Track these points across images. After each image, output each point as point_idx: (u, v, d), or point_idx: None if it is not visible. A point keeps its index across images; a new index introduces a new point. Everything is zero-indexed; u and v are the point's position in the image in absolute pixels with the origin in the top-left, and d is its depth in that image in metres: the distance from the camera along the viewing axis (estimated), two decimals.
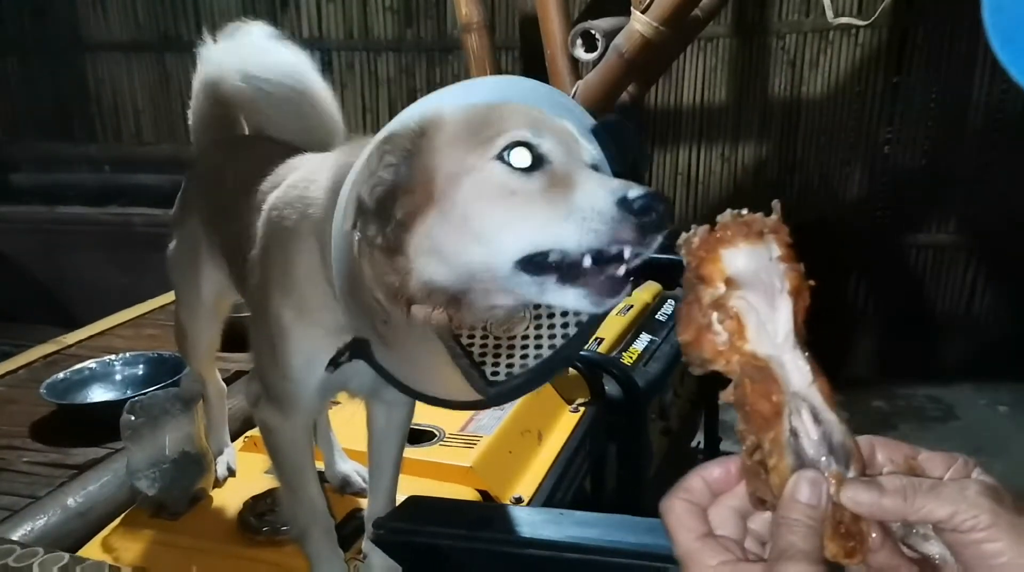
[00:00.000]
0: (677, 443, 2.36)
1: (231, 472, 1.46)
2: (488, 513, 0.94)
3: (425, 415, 1.63)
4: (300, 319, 0.97)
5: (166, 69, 4.70)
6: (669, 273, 2.65)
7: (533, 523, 0.93)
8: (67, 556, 1.06)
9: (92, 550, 1.29)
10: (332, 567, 1.15)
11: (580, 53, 2.62)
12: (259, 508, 1.32)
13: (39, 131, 4.94)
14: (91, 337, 2.21)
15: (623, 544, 0.83)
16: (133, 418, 1.34)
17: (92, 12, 4.75)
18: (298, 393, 1.03)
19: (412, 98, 1.18)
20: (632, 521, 0.91)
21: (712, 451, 2.73)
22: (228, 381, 1.92)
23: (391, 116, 3.31)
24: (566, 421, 1.76)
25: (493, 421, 1.61)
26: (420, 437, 1.57)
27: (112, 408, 1.70)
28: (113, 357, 1.90)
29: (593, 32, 2.58)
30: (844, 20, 2.33)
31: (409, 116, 0.78)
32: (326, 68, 4.43)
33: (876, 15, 2.08)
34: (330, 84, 4.49)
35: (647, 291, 2.49)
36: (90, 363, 1.87)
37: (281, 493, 1.16)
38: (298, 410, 1.06)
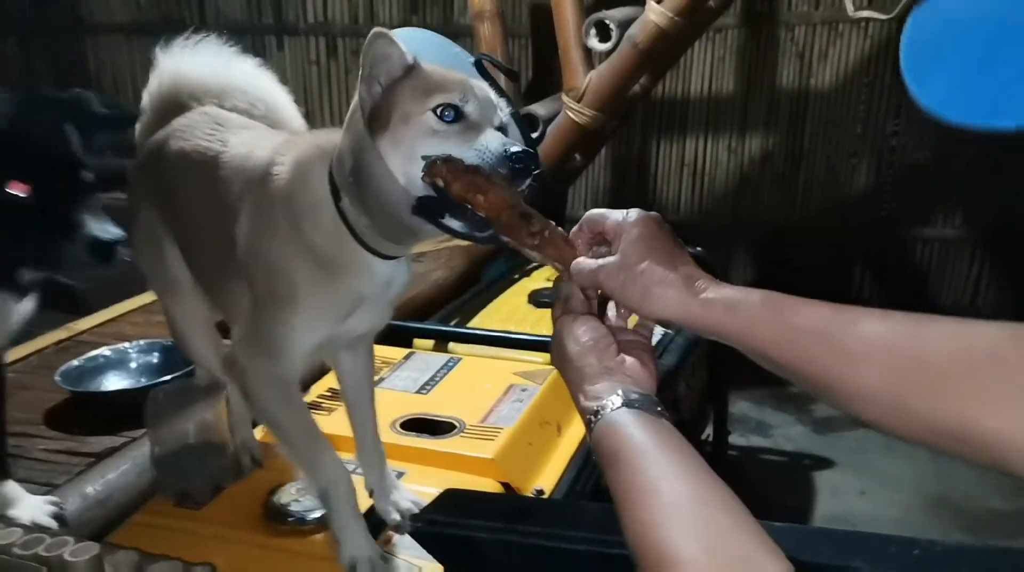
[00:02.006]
0: (688, 435, 2.35)
1: (257, 463, 1.45)
2: (527, 506, 0.93)
3: (445, 407, 1.63)
4: (316, 269, 1.07)
5: None
6: None
7: (575, 517, 0.92)
8: (98, 546, 1.05)
9: (116, 539, 1.28)
10: (356, 535, 1.15)
11: (594, 43, 2.61)
12: (284, 497, 1.31)
13: None
14: (102, 324, 2.19)
15: None
16: (157, 406, 1.33)
17: None
18: (301, 342, 1.11)
19: None
20: None
21: (721, 443, 2.74)
22: None
23: None
24: None
25: (513, 413, 1.61)
26: (440, 429, 1.56)
27: (128, 396, 1.69)
28: (128, 345, 1.88)
29: (607, 22, 2.57)
30: (865, 14, 2.31)
31: (404, 50, 0.99)
32: (331, 54, 4.40)
33: (898, 9, 2.06)
34: (336, 70, 4.48)
35: None
36: (104, 350, 1.85)
37: (295, 459, 1.18)
38: (296, 359, 1.12)
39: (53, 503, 1.34)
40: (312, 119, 4.62)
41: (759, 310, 0.76)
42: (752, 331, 0.76)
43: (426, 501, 1.32)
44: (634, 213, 0.83)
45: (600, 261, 0.82)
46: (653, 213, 0.85)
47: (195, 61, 1.36)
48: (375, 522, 1.31)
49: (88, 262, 1.04)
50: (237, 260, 1.15)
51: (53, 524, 1.31)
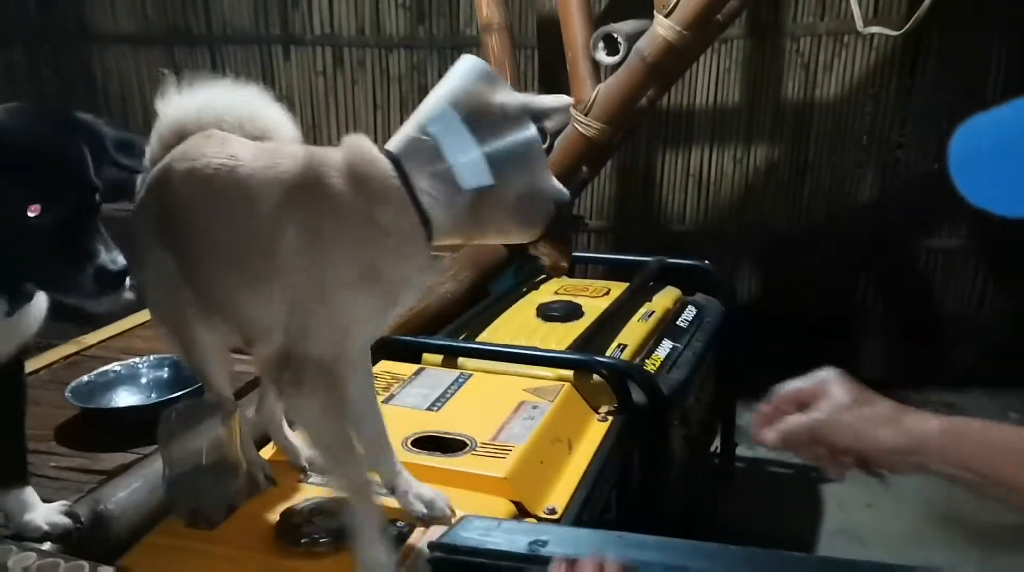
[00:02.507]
0: (697, 448, 2.36)
1: (271, 481, 1.45)
2: (546, 534, 0.93)
3: (456, 424, 1.63)
4: (385, 253, 1.17)
5: (175, 62, 4.67)
6: (688, 278, 2.66)
7: (593, 545, 0.92)
8: (112, 570, 1.05)
9: (129, 560, 1.28)
10: (378, 551, 1.17)
11: (602, 56, 2.61)
12: (296, 518, 1.31)
13: None
14: (111, 338, 2.19)
15: (686, 570, 0.83)
16: (169, 426, 1.33)
17: (100, 2, 4.72)
18: (362, 333, 1.25)
19: (423, 95, 1.23)
20: (693, 546, 0.90)
21: (728, 456, 2.74)
22: (252, 385, 1.92)
23: (402, 113, 3.44)
24: (595, 430, 1.75)
25: (524, 430, 1.61)
26: (452, 446, 1.56)
27: (139, 413, 1.70)
28: (138, 360, 1.88)
29: (615, 36, 2.57)
30: (875, 30, 2.31)
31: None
32: (338, 64, 4.41)
33: (908, 26, 2.05)
34: (342, 81, 4.48)
35: (667, 296, 2.49)
36: (115, 366, 1.85)
37: (329, 465, 1.26)
38: (351, 356, 1.24)
39: (67, 512, 1.35)
40: (319, 127, 4.65)
41: (977, 433, 0.84)
42: (973, 452, 0.83)
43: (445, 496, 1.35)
44: (827, 372, 0.94)
45: (812, 414, 0.91)
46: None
47: (191, 99, 1.39)
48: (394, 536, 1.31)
49: (94, 290, 1.04)
50: (267, 269, 1.18)
51: (68, 522, 1.32)
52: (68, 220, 1.04)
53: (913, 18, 2.03)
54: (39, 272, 1.07)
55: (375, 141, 1.27)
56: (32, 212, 1.01)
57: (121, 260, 1.04)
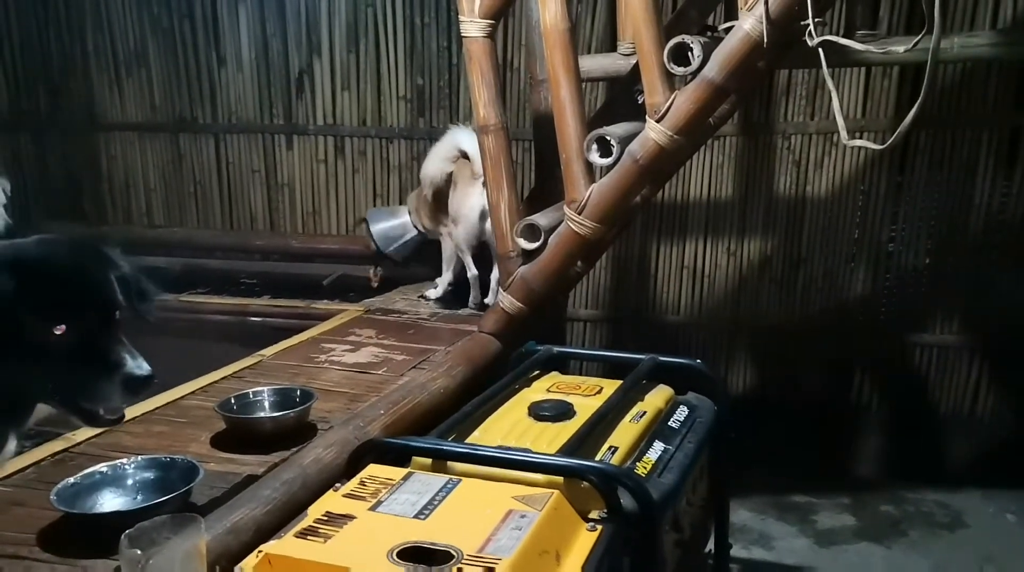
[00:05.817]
0: (690, 552, 2.32)
1: None
2: None
3: (444, 534, 1.61)
4: None
5: (179, 150, 4.77)
6: (681, 376, 2.65)
7: None
8: None
9: None
10: None
11: (595, 158, 2.67)
12: None
13: (50, 210, 4.96)
14: (100, 434, 2.17)
15: None
16: (134, 551, 1.30)
17: (108, 93, 4.85)
18: None
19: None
20: None
21: (723, 558, 2.69)
22: (238, 487, 1.90)
23: (401, 201, 3.65)
24: (584, 539, 1.73)
25: (512, 542, 1.58)
26: (437, 558, 1.54)
27: (123, 518, 1.68)
28: (125, 460, 1.87)
29: (608, 138, 2.63)
30: (859, 143, 2.36)
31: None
32: (339, 153, 4.50)
33: (891, 141, 2.11)
34: (343, 169, 4.64)
35: (659, 395, 2.48)
36: (101, 467, 1.84)
37: None
38: None
39: None
40: (319, 214, 4.71)
41: None
42: None
43: None
44: None
45: None
46: None
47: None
48: None
49: (123, 397, 1.13)
50: None
51: None
52: (90, 336, 1.14)
53: (896, 133, 2.08)
54: (73, 387, 1.16)
55: None
56: (58, 331, 1.13)
57: (146, 366, 1.14)
